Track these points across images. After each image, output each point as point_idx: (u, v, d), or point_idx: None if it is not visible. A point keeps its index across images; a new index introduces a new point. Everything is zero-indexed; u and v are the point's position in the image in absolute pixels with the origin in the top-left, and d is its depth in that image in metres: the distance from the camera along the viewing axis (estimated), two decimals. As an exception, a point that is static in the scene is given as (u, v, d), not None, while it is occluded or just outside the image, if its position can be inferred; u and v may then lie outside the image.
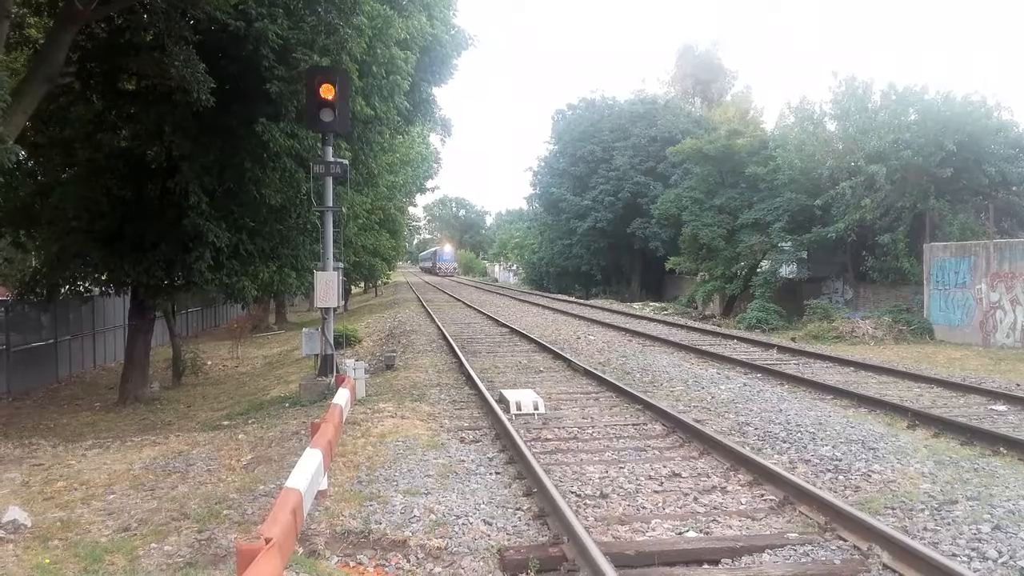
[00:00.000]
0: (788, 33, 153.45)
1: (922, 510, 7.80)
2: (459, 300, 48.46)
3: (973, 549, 6.81)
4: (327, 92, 15.45)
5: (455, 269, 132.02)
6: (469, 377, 16.47)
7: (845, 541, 7.02)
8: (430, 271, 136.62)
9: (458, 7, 24.67)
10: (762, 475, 8.86)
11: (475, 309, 39.57)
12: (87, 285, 22.26)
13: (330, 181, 16.33)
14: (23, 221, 20.99)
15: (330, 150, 16.27)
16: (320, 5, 16.55)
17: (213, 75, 16.24)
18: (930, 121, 29.35)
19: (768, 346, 22.22)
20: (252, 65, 17.01)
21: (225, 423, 16.07)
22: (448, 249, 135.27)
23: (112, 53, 17.96)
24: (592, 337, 25.09)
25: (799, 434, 11.01)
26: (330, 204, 16.38)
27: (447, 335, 25.14)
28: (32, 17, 18.20)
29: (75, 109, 19.63)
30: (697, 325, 30.74)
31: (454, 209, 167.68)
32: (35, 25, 18.49)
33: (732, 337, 24.93)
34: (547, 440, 11.22)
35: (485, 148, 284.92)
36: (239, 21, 16.38)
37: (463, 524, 7.62)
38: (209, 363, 28.91)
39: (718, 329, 28.84)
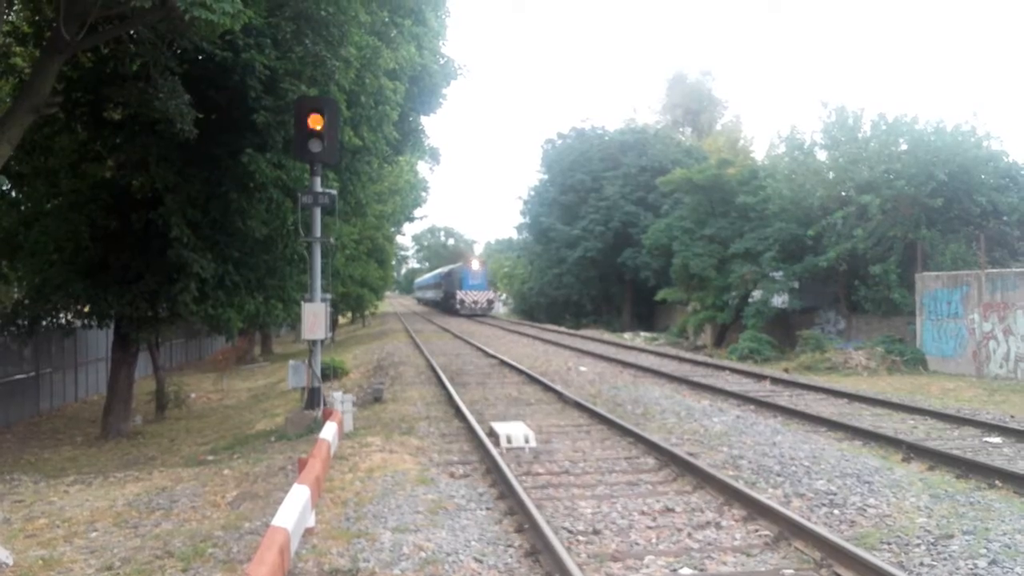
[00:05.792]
0: (778, 64, 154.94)
1: (918, 545, 7.74)
2: (447, 331, 48.24)
3: (971, 585, 6.73)
4: (315, 122, 15.39)
5: (490, 303, 75.02)
6: (458, 410, 16.29)
7: (843, 578, 6.90)
8: (441, 305, 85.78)
9: (447, 37, 24.73)
10: (757, 510, 8.75)
11: (463, 340, 39.39)
12: (69, 317, 21.97)
13: (318, 212, 16.21)
14: (6, 252, 20.68)
15: (318, 180, 16.15)
16: (308, 36, 16.51)
17: (199, 105, 16.12)
18: (921, 151, 29.46)
19: (761, 377, 22.10)
20: (239, 95, 16.91)
21: (210, 458, 15.82)
22: (477, 267, 74.57)
23: (98, 83, 17.85)
24: (583, 368, 24.92)
25: (793, 467, 10.88)
26: (318, 235, 16.24)
27: (435, 366, 24.94)
28: (18, 47, 18.11)
29: (59, 139, 19.42)
30: (688, 356, 30.57)
31: (442, 238, 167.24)
32: (21, 55, 18.39)
33: (724, 368, 24.81)
34: (538, 474, 11.07)
35: (474, 177, 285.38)
36: (226, 52, 16.28)
37: (453, 562, 7.48)
38: (193, 396, 28.57)
39: (710, 360, 28.71)
